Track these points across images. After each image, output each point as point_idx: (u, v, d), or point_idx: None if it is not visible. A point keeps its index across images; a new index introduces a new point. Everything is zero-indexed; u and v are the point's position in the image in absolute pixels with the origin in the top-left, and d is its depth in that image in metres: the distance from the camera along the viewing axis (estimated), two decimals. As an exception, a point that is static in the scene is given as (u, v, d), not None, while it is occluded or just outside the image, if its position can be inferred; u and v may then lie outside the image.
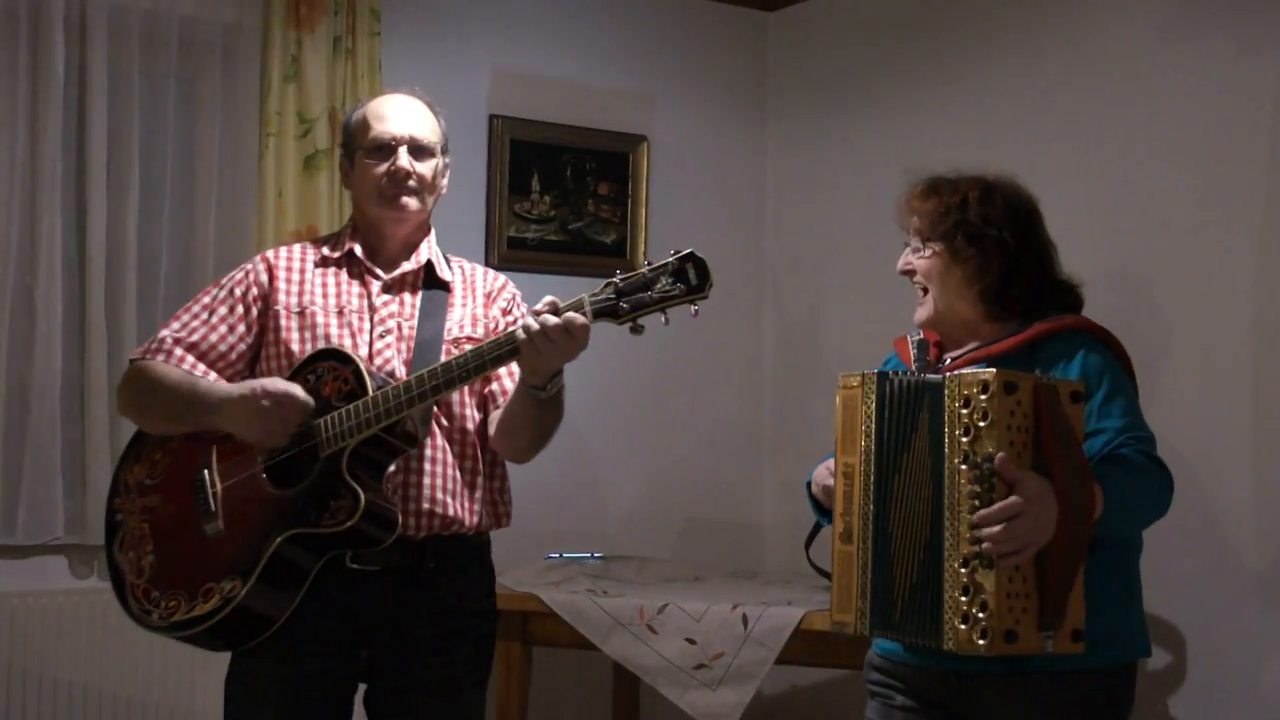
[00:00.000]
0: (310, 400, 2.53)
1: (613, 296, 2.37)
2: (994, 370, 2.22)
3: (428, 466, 2.62)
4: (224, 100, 4.08)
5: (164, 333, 2.70)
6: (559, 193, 4.60)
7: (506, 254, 4.47)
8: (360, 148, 2.70)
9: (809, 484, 2.64)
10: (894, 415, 2.35)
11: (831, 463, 2.48)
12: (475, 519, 2.67)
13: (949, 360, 2.53)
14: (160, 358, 2.66)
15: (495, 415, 2.70)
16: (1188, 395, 3.67)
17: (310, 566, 2.52)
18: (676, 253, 2.37)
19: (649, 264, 2.39)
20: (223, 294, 2.72)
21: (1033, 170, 4.03)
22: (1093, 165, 3.92)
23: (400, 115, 2.70)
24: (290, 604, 2.52)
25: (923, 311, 2.55)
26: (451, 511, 2.62)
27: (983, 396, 2.20)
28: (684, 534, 4.77)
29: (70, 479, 3.85)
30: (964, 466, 2.21)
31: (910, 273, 2.56)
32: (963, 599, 2.20)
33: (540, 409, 2.56)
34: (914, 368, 2.55)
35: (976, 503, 2.20)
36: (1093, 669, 2.36)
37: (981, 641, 2.19)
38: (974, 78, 4.28)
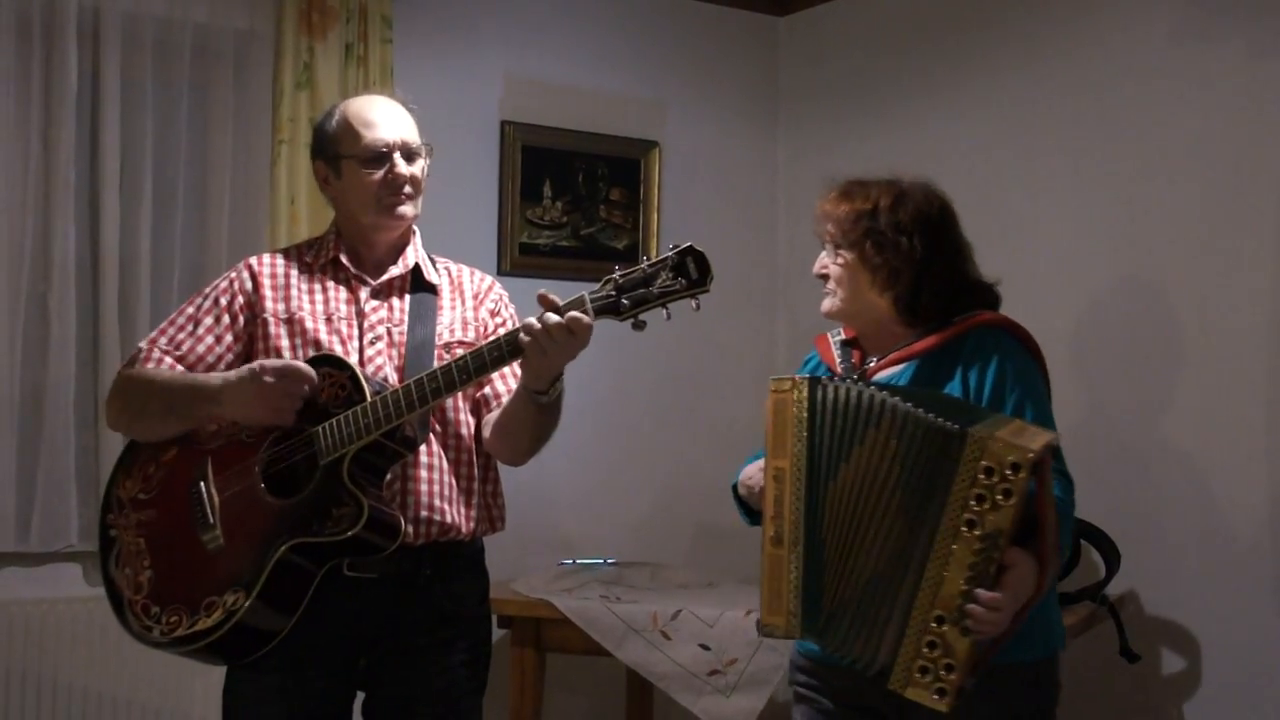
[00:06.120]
0: (312, 370, 2.49)
1: (613, 293, 2.35)
2: (1032, 450, 2.18)
3: (424, 474, 2.59)
4: (236, 107, 4.08)
5: (149, 345, 2.66)
6: (571, 198, 4.61)
7: (518, 260, 4.47)
8: (350, 155, 2.63)
9: (735, 485, 2.64)
10: (834, 423, 2.34)
11: (762, 463, 2.48)
12: (471, 525, 2.65)
13: (873, 363, 2.55)
14: (149, 366, 2.62)
15: (490, 418, 2.67)
16: (1201, 401, 3.66)
17: (313, 576, 2.49)
18: (676, 247, 2.35)
19: (647, 259, 2.37)
20: (207, 303, 2.68)
21: (1044, 175, 4.07)
22: (1105, 170, 3.91)
23: (388, 120, 2.66)
24: (293, 615, 2.49)
25: (829, 302, 2.58)
26: (449, 519, 2.60)
27: (1012, 473, 2.17)
28: (697, 539, 4.76)
29: (84, 486, 3.85)
30: (974, 534, 2.21)
31: (825, 277, 2.59)
32: (928, 652, 2.24)
33: (541, 413, 2.54)
34: (839, 370, 2.58)
35: (971, 573, 2.21)
36: (1024, 662, 2.42)
37: (940, 700, 2.23)
38: (985, 83, 4.27)
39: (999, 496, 2.18)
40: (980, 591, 2.20)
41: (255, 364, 2.51)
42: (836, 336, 2.67)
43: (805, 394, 2.35)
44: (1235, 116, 3.61)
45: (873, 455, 2.30)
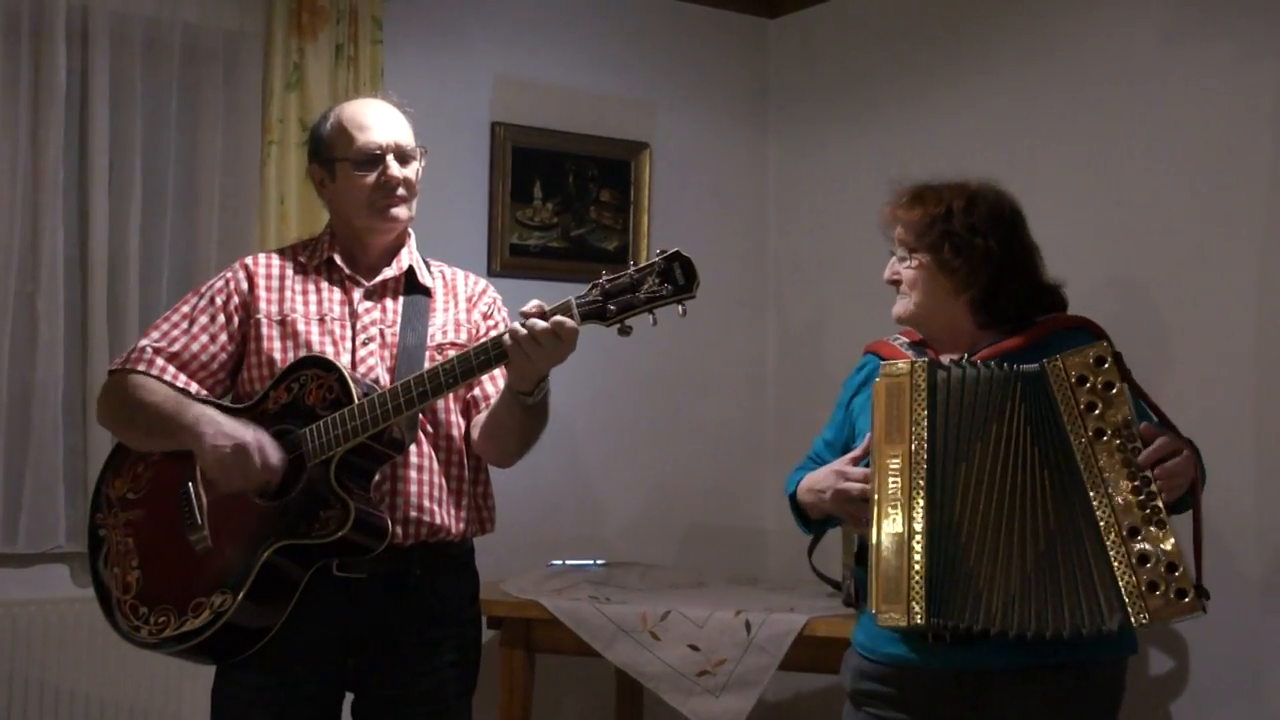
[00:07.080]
0: (280, 467, 2.48)
1: (599, 298, 2.36)
2: (1101, 343, 2.32)
3: (413, 474, 2.59)
4: (226, 108, 4.08)
5: (144, 342, 2.65)
6: (561, 199, 4.60)
7: (509, 261, 4.47)
8: (343, 158, 2.64)
9: (793, 494, 2.62)
10: (962, 404, 2.33)
11: (840, 466, 2.47)
12: (461, 525, 2.65)
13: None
14: (141, 368, 2.61)
15: (479, 419, 2.67)
16: (1189, 401, 3.66)
17: (300, 577, 2.49)
18: (663, 253, 2.35)
19: (634, 265, 2.37)
20: (203, 302, 2.68)
21: (1035, 176, 4.07)
22: (1095, 170, 3.92)
23: (382, 123, 2.66)
24: (280, 615, 2.49)
25: (901, 306, 2.56)
26: (438, 519, 2.60)
27: (1101, 368, 2.28)
28: (687, 540, 4.76)
29: (72, 487, 3.84)
30: (1105, 439, 2.26)
31: (897, 282, 2.57)
32: (1145, 567, 2.22)
33: (527, 415, 2.55)
34: None
35: (1129, 468, 2.26)
36: (1102, 661, 2.41)
37: (1184, 601, 2.21)
38: (975, 84, 4.28)
39: (1102, 390, 2.27)
40: (1145, 453, 2.26)
41: (245, 436, 2.47)
42: (897, 340, 2.64)
43: (924, 377, 2.35)
44: (1226, 117, 3.62)
45: (1013, 428, 2.32)
